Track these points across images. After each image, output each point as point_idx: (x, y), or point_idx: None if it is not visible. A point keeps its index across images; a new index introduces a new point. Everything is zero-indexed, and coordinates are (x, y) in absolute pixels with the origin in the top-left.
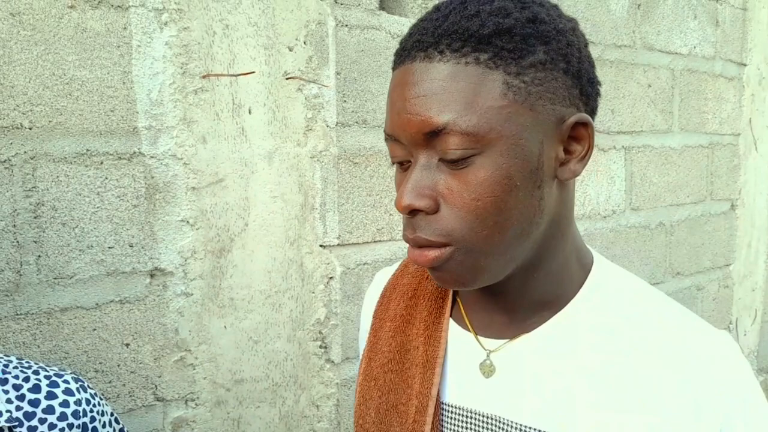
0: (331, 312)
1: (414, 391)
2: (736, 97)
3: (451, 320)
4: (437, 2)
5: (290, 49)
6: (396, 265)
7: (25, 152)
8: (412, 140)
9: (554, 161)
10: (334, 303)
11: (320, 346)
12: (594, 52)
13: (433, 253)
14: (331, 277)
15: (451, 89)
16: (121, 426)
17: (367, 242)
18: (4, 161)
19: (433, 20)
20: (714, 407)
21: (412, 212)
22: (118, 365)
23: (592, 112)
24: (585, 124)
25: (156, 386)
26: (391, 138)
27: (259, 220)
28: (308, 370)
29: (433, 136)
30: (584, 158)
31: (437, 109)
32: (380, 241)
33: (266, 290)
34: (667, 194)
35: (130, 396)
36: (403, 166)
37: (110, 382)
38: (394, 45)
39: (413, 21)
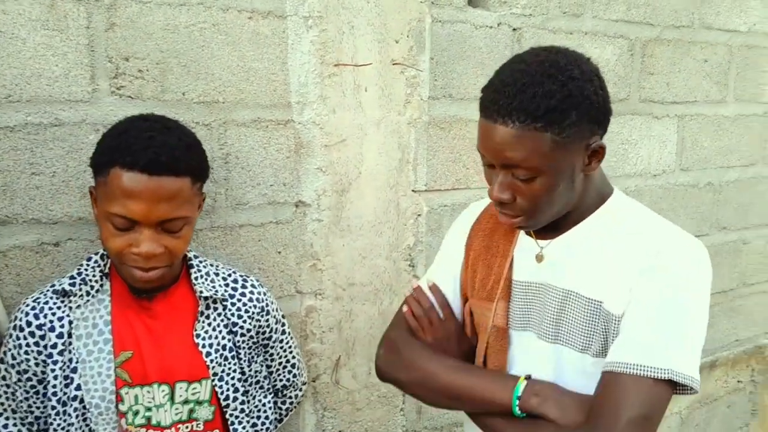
0: (418, 240)
1: (493, 272)
2: None
3: (521, 231)
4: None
5: (396, 42)
6: (483, 204)
7: (219, 119)
8: (496, 163)
9: (582, 166)
10: (420, 233)
11: (409, 265)
12: (652, 33)
13: (512, 220)
14: (419, 214)
15: (520, 143)
16: (282, 313)
17: (448, 189)
18: (207, 124)
19: (506, 96)
20: (643, 267)
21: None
22: (273, 266)
23: (605, 127)
24: (600, 146)
25: (297, 282)
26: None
27: (369, 170)
28: (400, 281)
29: (508, 166)
30: (599, 161)
31: (510, 153)
32: (458, 188)
33: (372, 221)
34: (718, 157)
35: (280, 288)
36: (490, 166)
37: (267, 277)
38: (476, 34)
39: (493, 14)
